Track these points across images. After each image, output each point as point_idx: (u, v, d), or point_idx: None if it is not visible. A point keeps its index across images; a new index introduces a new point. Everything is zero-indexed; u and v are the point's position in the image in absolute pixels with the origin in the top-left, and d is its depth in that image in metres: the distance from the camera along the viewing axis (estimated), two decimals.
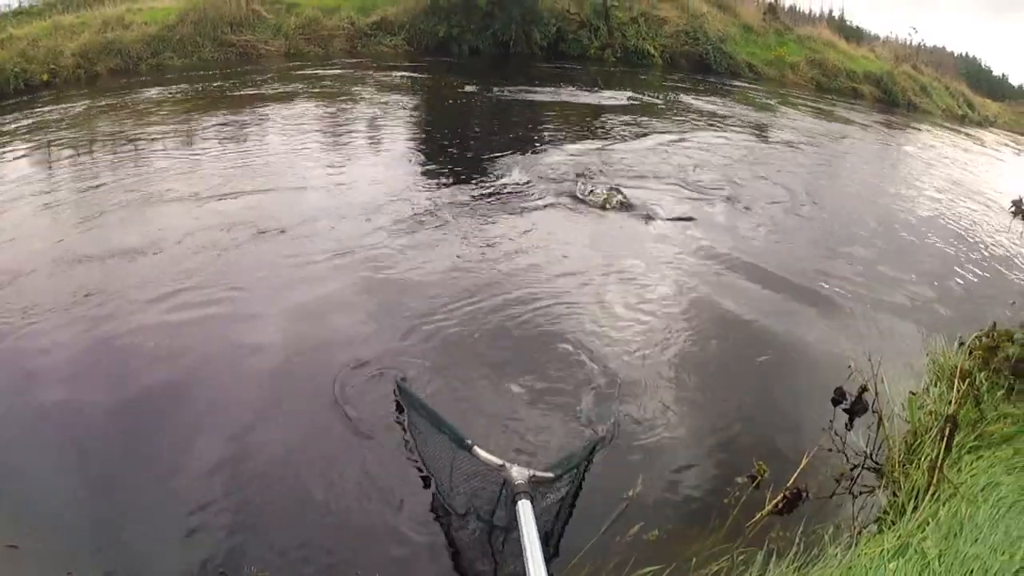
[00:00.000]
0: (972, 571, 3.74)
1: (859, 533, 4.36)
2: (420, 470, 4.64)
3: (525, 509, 3.61)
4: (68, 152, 11.48)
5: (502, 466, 3.97)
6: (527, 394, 5.53)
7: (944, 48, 39.68)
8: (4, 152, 11.67)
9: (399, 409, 5.00)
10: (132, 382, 5.49)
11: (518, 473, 3.87)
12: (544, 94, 18.64)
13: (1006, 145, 25.19)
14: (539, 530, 3.54)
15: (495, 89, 18.40)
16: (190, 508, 4.30)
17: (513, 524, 3.74)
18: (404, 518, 4.34)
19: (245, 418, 5.12)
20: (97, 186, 9.62)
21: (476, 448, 4.09)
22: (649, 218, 9.61)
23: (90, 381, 5.50)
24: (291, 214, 8.71)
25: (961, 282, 8.86)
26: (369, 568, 3.97)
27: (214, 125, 13.37)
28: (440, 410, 4.59)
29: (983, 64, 43.60)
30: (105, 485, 4.52)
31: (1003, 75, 44.28)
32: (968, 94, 32.57)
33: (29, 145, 12.02)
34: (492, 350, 6.13)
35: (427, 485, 4.52)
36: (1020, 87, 43.34)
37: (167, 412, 5.17)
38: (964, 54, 42.93)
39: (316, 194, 9.70)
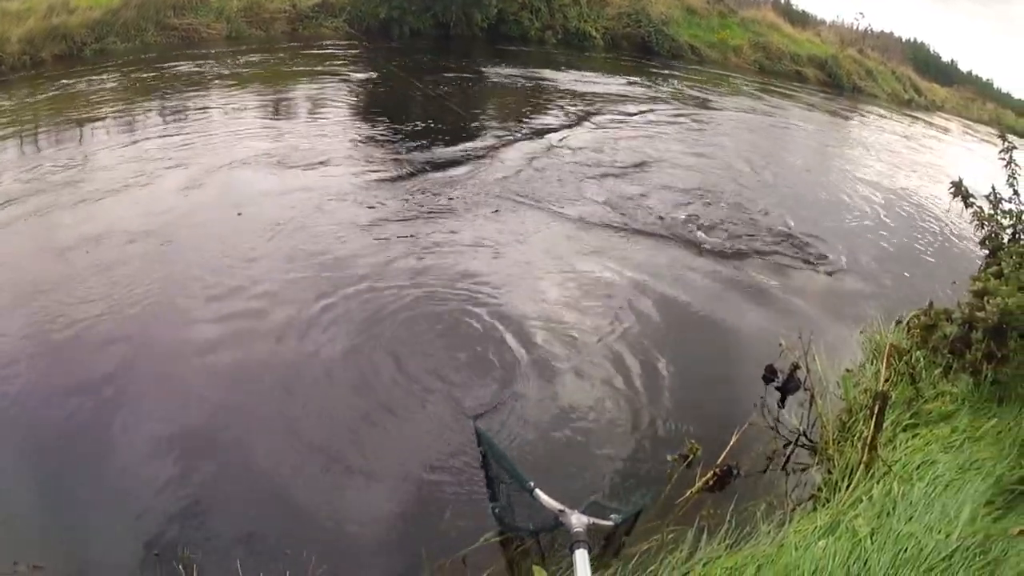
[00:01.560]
0: (906, 549, 3.73)
1: (793, 510, 4.37)
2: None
3: (582, 558, 3.49)
4: (12, 140, 11.15)
5: (562, 511, 3.87)
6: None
7: (892, 33, 40.38)
8: None
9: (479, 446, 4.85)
10: (76, 368, 5.38)
11: (577, 520, 3.75)
12: (485, 75, 18.81)
13: (948, 130, 25.62)
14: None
15: (432, 71, 18.45)
16: (132, 493, 4.28)
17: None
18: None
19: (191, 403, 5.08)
20: (35, 177, 9.34)
21: (537, 491, 4.04)
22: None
23: (36, 368, 5.36)
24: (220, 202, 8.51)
25: (900, 261, 8.92)
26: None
27: (155, 109, 13.10)
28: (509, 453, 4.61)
29: (931, 50, 44.17)
30: (48, 474, 4.45)
31: (952, 61, 45.02)
32: (915, 79, 33.13)
33: None
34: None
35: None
36: (968, 73, 44.01)
37: (110, 399, 5.06)
38: (912, 39, 43.52)
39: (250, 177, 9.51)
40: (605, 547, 4.16)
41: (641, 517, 4.31)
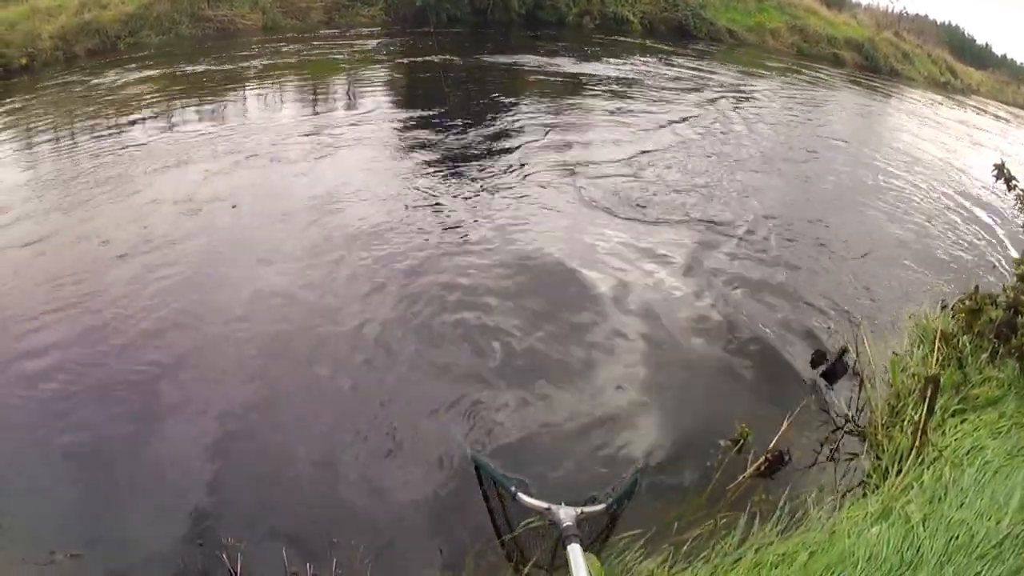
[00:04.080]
0: (957, 536, 3.69)
1: (843, 496, 4.32)
2: None
3: (575, 553, 3.52)
4: (48, 135, 11.24)
5: (548, 509, 3.91)
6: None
7: (927, 16, 39.91)
8: None
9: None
10: (117, 360, 5.40)
11: (565, 514, 3.80)
12: (523, 61, 18.60)
13: (985, 112, 25.24)
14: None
15: (472, 57, 18.38)
16: (173, 483, 4.29)
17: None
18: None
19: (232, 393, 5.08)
20: (76, 173, 9.42)
21: (520, 495, 4.07)
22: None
23: (76, 359, 5.39)
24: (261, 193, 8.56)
25: (945, 245, 8.83)
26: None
27: (193, 101, 13.17)
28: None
29: (966, 33, 43.61)
30: (87, 464, 4.45)
31: (986, 44, 44.38)
32: (951, 61, 32.84)
33: (7, 130, 11.82)
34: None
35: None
36: (1003, 56, 43.36)
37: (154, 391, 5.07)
38: (947, 23, 43.00)
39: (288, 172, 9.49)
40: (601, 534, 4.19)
41: (634, 497, 4.35)
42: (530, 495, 4.07)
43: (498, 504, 4.34)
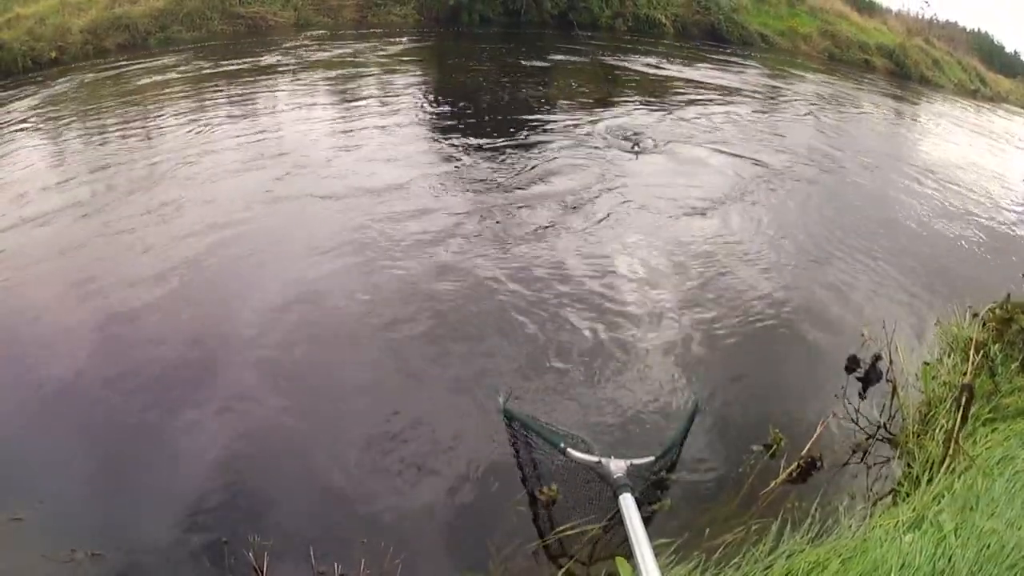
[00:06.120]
0: (988, 546, 3.67)
1: (874, 504, 4.32)
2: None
3: (628, 503, 3.59)
4: (77, 131, 11.36)
5: (598, 462, 3.97)
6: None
7: (956, 23, 39.50)
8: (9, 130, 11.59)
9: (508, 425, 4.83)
10: (138, 358, 5.45)
11: (615, 466, 3.88)
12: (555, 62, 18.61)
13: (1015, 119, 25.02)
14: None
15: (506, 59, 18.40)
16: (197, 481, 4.29)
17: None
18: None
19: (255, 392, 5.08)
20: (106, 164, 9.53)
21: (569, 450, 4.13)
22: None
23: (95, 357, 5.43)
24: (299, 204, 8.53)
25: (976, 253, 8.78)
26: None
27: (225, 98, 13.28)
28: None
29: (995, 40, 43.20)
30: (110, 461, 4.47)
31: (1015, 52, 43.95)
32: (980, 69, 32.52)
33: (36, 123, 11.94)
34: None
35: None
36: None
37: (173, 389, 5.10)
38: (976, 29, 42.60)
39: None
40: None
41: (681, 445, 4.49)
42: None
43: (528, 459, 4.46)
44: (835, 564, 3.68)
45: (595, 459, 4.00)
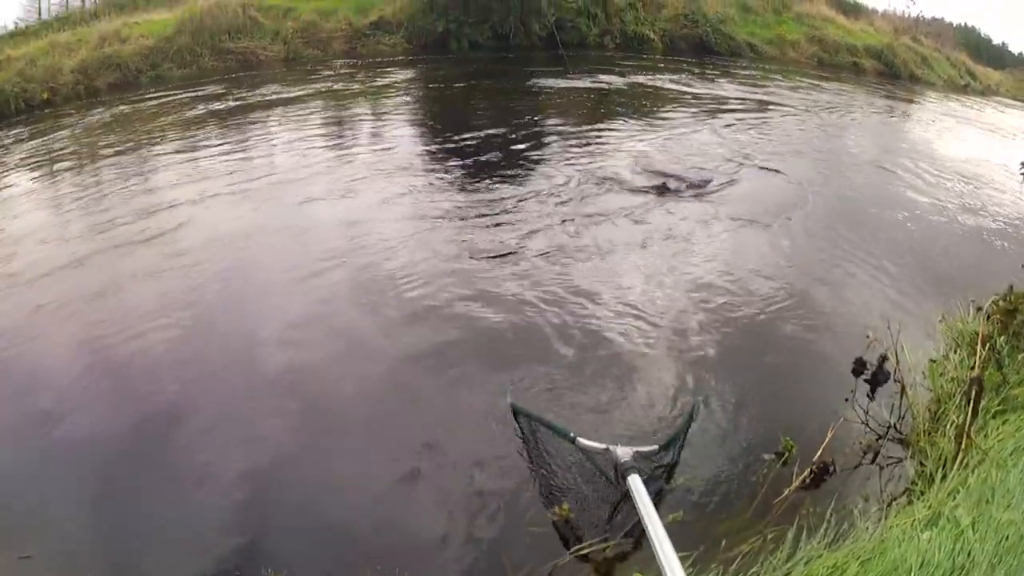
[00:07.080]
0: (1007, 538, 3.66)
1: (889, 505, 4.32)
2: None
3: (636, 482, 3.83)
4: (71, 171, 11.41)
5: (606, 449, 4.19)
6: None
7: (943, 19, 39.67)
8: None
9: (515, 419, 4.97)
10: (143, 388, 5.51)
11: (623, 452, 4.09)
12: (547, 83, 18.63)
13: (1009, 111, 25.02)
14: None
15: (494, 82, 18.52)
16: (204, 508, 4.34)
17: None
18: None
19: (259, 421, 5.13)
20: (103, 206, 9.57)
21: (579, 439, 4.32)
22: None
23: (106, 394, 5.48)
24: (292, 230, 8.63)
25: (975, 246, 8.79)
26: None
27: (216, 134, 13.33)
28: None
29: (982, 33, 43.46)
30: (116, 488, 4.51)
31: (1003, 44, 44.24)
32: (969, 64, 32.54)
33: (31, 164, 11.99)
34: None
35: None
36: (1021, 55, 43.19)
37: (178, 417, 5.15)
38: (963, 24, 42.84)
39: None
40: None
41: (684, 439, 4.62)
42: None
43: (537, 451, 4.63)
44: (854, 567, 3.68)
45: (603, 447, 4.22)
